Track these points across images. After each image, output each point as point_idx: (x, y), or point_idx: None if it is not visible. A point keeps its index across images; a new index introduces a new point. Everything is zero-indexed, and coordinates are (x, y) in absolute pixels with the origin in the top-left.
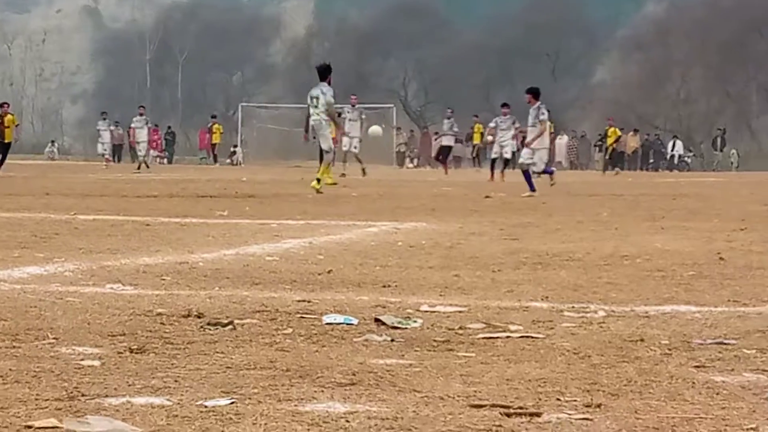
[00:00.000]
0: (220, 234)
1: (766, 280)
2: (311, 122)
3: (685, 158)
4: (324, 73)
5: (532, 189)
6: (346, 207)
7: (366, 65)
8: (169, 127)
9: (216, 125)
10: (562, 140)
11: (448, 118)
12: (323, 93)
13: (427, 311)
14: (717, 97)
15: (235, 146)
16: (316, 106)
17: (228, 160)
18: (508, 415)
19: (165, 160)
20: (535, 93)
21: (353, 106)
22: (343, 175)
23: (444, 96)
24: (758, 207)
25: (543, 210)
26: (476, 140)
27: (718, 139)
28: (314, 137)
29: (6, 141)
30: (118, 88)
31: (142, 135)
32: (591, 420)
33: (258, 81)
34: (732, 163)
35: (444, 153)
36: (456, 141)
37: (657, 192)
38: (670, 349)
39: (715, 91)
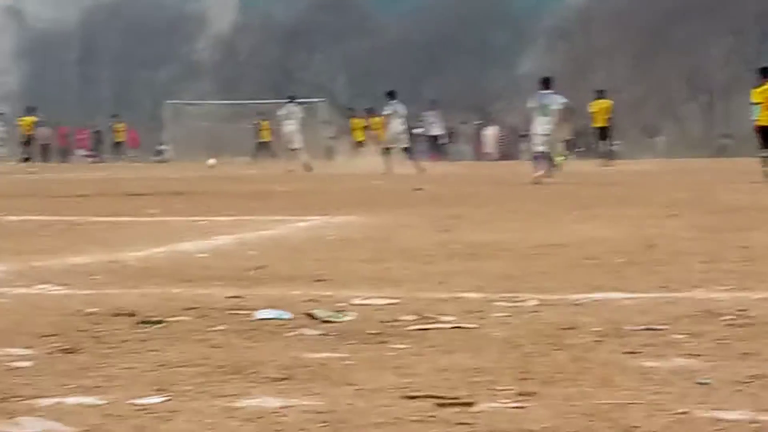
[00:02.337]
0: (150, 232)
1: (695, 266)
2: (543, 129)
3: (612, 147)
4: (551, 83)
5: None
6: (277, 202)
7: (292, 60)
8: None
9: (117, 124)
10: (491, 131)
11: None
12: (554, 101)
13: (359, 304)
14: (641, 86)
15: (161, 144)
16: (546, 115)
17: (156, 158)
18: (442, 406)
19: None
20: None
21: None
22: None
23: (372, 89)
24: (685, 193)
25: (473, 201)
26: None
27: (650, 127)
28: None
29: None
30: (44, 88)
31: None
32: (524, 408)
33: (184, 78)
34: (659, 150)
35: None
36: None
37: (586, 181)
38: (601, 336)
39: (639, 79)
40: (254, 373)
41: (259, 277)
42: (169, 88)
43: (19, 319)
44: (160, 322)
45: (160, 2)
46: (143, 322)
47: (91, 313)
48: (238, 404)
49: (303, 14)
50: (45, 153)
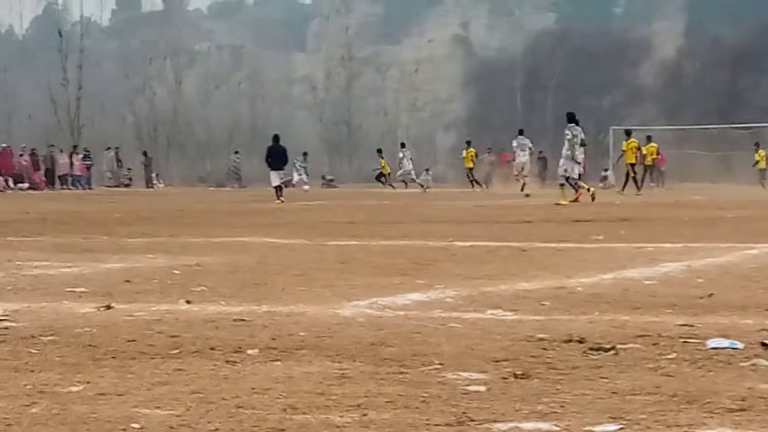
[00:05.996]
0: (596, 258)
1: None
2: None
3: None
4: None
5: None
6: (723, 229)
7: (740, 83)
8: (540, 152)
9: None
10: None
11: None
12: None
13: None
14: None
15: (606, 170)
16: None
17: (600, 184)
18: None
19: None
20: None
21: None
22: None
23: None
24: None
25: None
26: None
27: None
28: None
29: None
30: (488, 116)
31: None
32: None
33: (628, 104)
34: None
35: None
36: None
37: None
38: None
39: None
40: (709, 403)
41: (709, 305)
42: (613, 114)
43: (471, 343)
44: (610, 349)
45: (606, 29)
46: (594, 349)
47: (541, 339)
48: None
49: (752, 35)
50: (488, 179)
